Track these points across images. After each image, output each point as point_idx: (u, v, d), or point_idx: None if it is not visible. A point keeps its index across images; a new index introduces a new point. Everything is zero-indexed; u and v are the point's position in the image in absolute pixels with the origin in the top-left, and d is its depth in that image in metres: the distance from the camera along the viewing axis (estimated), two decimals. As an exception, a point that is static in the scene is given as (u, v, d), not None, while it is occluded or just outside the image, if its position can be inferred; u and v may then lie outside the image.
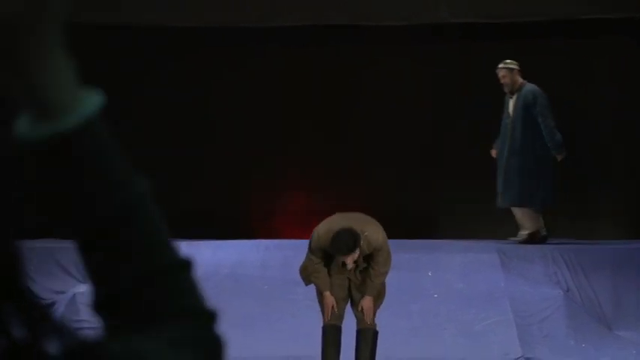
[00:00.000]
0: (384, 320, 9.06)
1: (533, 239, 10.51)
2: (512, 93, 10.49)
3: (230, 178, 11.38)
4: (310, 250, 7.46)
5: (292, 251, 10.09)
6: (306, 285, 7.61)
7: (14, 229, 1.00)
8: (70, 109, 1.01)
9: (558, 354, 8.88)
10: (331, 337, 7.57)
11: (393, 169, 11.66)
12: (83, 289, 9.75)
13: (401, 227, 10.99)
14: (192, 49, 11.41)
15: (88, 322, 9.38)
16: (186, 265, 1.06)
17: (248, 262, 10.05)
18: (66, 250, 10.31)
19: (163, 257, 1.03)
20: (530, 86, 10.45)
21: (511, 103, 10.54)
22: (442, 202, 11.08)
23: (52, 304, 9.84)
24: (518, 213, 10.63)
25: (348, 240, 7.12)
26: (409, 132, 11.66)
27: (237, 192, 11.38)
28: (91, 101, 1.03)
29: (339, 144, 11.54)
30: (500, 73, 10.49)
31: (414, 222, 11.46)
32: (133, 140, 11.33)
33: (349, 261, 7.19)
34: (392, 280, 9.22)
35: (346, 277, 7.47)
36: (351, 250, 7.15)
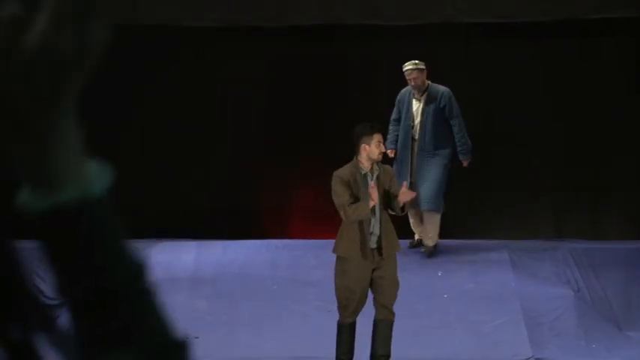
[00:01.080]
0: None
1: (435, 249, 10.10)
2: (421, 94, 10.09)
3: (240, 177, 11.37)
4: (336, 191, 7.62)
5: (302, 251, 10.10)
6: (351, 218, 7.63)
7: (11, 232, 0.99)
8: (73, 183, 0.99)
9: (568, 354, 8.86)
10: (346, 335, 7.59)
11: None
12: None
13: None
14: (203, 48, 11.40)
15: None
16: (182, 346, 1.04)
17: (257, 262, 10.04)
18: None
19: (156, 339, 1.02)
20: (438, 87, 10.07)
21: (417, 105, 10.11)
22: (452, 202, 11.03)
23: (62, 304, 9.85)
24: (431, 220, 10.09)
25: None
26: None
27: (248, 191, 11.37)
28: (99, 177, 1.01)
29: (350, 143, 11.51)
30: (412, 75, 10.02)
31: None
32: (143, 139, 11.36)
33: (378, 143, 7.62)
34: (402, 281, 9.21)
35: (369, 265, 7.49)
36: (375, 128, 7.66)
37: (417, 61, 9.99)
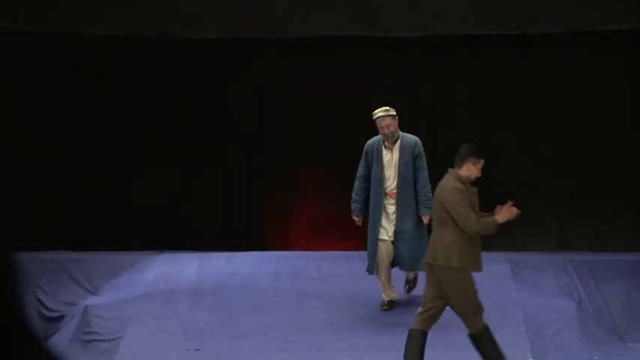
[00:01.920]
0: (393, 332, 9.05)
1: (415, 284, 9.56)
2: (393, 143, 9.25)
3: (243, 189, 11.38)
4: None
5: (304, 262, 10.10)
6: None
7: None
8: None
9: (571, 366, 8.85)
10: (492, 336, 7.75)
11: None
12: (95, 302, 9.75)
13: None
14: (205, 60, 11.42)
15: (99, 335, 9.39)
16: None
17: (260, 274, 10.04)
18: (77, 262, 10.32)
19: None
20: (408, 135, 9.31)
21: (389, 155, 9.25)
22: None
23: (62, 316, 9.85)
24: (413, 273, 9.52)
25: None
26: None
27: (250, 203, 11.38)
28: None
29: (352, 154, 11.53)
30: (384, 122, 9.18)
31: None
32: (146, 151, 11.37)
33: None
34: (402, 291, 9.20)
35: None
36: (484, 154, 7.74)
37: (387, 108, 9.23)
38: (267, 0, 10.79)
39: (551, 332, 9.34)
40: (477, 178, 7.74)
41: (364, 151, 9.32)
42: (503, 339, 9.11)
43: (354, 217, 9.23)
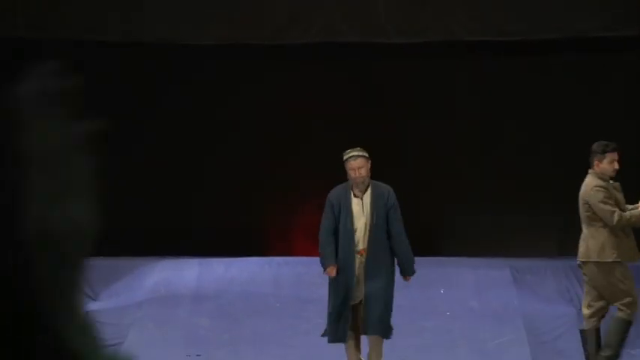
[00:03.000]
0: (396, 337, 9.03)
1: None
2: (363, 191, 8.00)
3: (243, 194, 11.38)
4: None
5: (305, 268, 10.09)
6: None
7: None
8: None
9: (572, 372, 8.84)
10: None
11: (403, 183, 11.63)
12: (95, 307, 9.75)
13: (411, 244, 10.96)
14: (203, 66, 11.43)
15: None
16: None
17: (260, 280, 10.04)
18: (78, 268, 10.32)
19: None
20: (380, 183, 8.16)
21: (359, 204, 7.98)
22: (454, 218, 11.04)
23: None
24: (377, 346, 8.02)
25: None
26: (422, 145, 11.64)
27: (251, 209, 11.38)
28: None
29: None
30: (357, 163, 7.95)
31: (424, 238, 11.43)
32: (147, 156, 11.37)
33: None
34: (404, 298, 9.19)
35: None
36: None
37: (359, 148, 8.10)
38: (267, 6, 10.79)
39: (552, 338, 9.33)
40: (616, 172, 8.05)
41: (328, 202, 8.02)
42: (504, 345, 9.10)
43: (329, 268, 7.86)
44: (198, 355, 8.73)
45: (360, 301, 7.85)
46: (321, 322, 9.31)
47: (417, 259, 10.29)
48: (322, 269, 7.92)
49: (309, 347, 8.75)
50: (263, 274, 10.14)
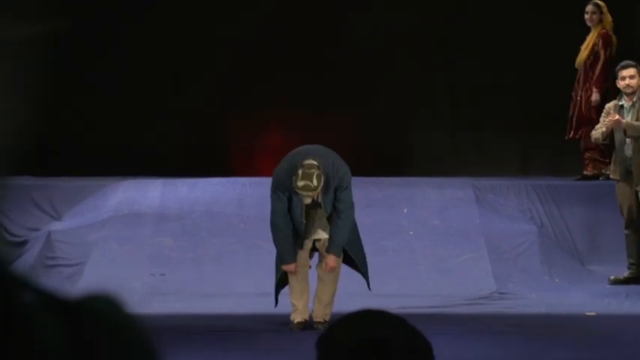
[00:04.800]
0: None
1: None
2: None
3: (208, 114, 11.33)
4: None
5: (268, 189, 10.10)
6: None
7: None
8: None
9: (532, 289, 8.97)
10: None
11: (367, 106, 11.64)
12: (58, 227, 9.73)
13: (375, 164, 11.01)
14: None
15: (63, 260, 9.39)
16: None
17: (224, 200, 10.04)
18: (41, 188, 10.27)
19: None
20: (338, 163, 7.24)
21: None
22: (415, 139, 11.07)
23: (26, 242, 9.83)
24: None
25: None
26: (385, 68, 11.63)
27: (216, 129, 11.34)
28: None
29: (317, 79, 11.50)
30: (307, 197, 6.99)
31: (388, 159, 11.48)
32: (112, 75, 11.27)
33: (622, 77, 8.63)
34: (367, 217, 9.25)
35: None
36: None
37: (310, 161, 7.02)
38: None
39: (513, 256, 9.45)
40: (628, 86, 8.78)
41: (276, 183, 7.25)
42: (466, 262, 9.22)
43: (289, 264, 7.23)
44: (162, 274, 8.77)
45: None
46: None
47: (381, 179, 10.38)
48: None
49: (272, 267, 8.81)
50: (227, 194, 10.14)
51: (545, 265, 9.40)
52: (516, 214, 10.05)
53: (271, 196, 7.27)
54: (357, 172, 10.59)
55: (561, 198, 10.14)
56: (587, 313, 8.06)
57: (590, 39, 10.14)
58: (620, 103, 9.09)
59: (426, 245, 9.40)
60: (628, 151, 8.98)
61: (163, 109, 11.35)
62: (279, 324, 7.50)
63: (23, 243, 9.84)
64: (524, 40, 11.28)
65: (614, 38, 10.12)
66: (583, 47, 10.18)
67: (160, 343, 1.07)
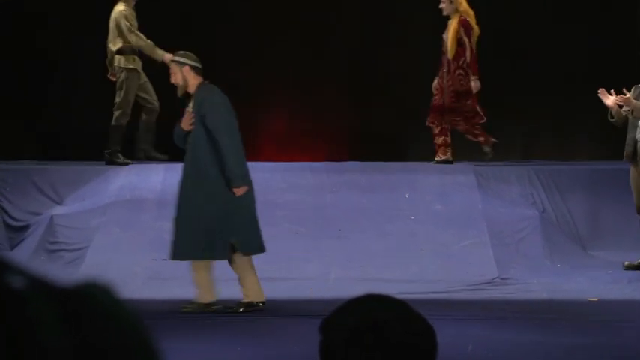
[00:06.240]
0: (361, 242, 9.11)
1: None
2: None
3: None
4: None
5: (271, 174, 10.11)
6: None
7: None
8: None
9: (534, 274, 8.97)
10: None
11: (369, 90, 11.62)
12: (60, 211, 9.73)
13: (377, 149, 11.01)
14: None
15: (65, 244, 9.39)
16: None
17: (226, 184, 10.02)
18: (43, 172, 10.27)
19: None
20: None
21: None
22: (421, 125, 11.04)
23: (27, 226, 9.83)
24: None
25: None
26: (387, 51, 11.61)
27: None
28: None
29: (318, 61, 11.48)
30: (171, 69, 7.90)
31: (390, 143, 11.47)
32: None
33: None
34: (369, 202, 9.24)
35: None
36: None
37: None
38: None
39: (515, 241, 9.45)
40: None
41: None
42: (468, 248, 9.21)
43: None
44: (163, 260, 8.76)
45: None
46: (287, 226, 9.38)
47: (383, 164, 10.38)
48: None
49: (275, 251, 8.82)
50: (229, 178, 10.12)
51: (547, 251, 9.39)
52: (518, 199, 10.04)
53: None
54: (359, 157, 10.61)
55: (564, 183, 10.13)
56: (589, 299, 8.06)
57: (451, 27, 10.16)
58: None
59: (427, 230, 9.39)
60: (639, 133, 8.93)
61: (167, 93, 11.34)
62: (279, 309, 7.51)
63: (25, 227, 9.84)
64: (526, 23, 11.25)
65: (472, 23, 10.15)
66: (447, 37, 10.22)
67: (156, 329, 1.06)
